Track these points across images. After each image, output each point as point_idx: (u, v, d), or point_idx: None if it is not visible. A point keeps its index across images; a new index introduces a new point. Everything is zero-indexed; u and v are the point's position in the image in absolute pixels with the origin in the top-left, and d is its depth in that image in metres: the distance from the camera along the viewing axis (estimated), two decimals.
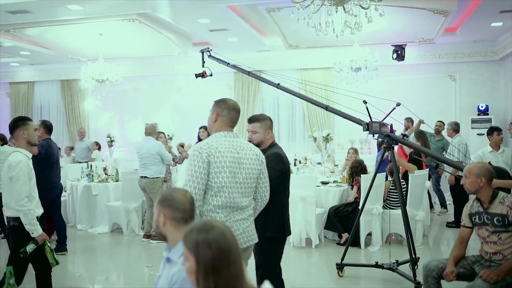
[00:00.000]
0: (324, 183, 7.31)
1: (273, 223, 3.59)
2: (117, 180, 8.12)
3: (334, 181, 7.44)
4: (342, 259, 5.34)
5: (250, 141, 3.56)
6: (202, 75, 6.22)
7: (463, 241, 3.70)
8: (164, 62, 12.96)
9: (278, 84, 5.62)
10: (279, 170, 3.58)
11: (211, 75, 6.18)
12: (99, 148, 11.06)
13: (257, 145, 3.58)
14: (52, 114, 14.74)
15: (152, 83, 13.50)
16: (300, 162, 10.78)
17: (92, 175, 8.12)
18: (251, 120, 3.71)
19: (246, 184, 3.01)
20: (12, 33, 10.27)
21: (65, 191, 8.35)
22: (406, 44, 10.96)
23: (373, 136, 4.97)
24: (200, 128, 8.73)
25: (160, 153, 7.17)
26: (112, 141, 10.80)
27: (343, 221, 6.63)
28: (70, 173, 9.39)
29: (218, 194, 2.87)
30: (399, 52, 11.02)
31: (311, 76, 12.40)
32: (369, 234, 6.60)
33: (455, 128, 8.06)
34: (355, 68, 9.18)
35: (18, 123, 3.87)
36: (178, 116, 13.37)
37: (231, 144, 2.98)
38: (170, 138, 13.07)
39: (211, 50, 6.38)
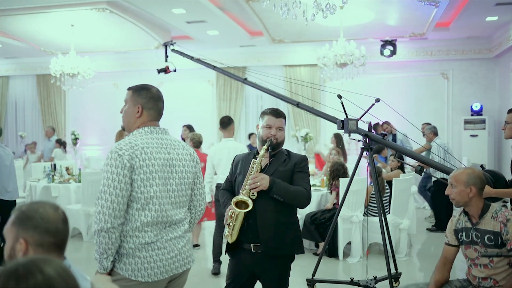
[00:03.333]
0: None
1: (301, 237, 3.09)
2: (79, 181, 7.48)
3: (313, 185, 6.81)
4: (314, 273, 4.71)
5: (265, 139, 2.95)
6: (165, 70, 5.70)
7: (447, 262, 3.08)
8: (143, 57, 12.35)
9: (245, 79, 5.09)
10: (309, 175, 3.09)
11: (174, 70, 5.70)
12: (63, 147, 10.37)
13: (279, 144, 3.02)
14: (27, 111, 14.11)
15: (131, 78, 12.79)
16: None
17: (53, 175, 7.47)
18: (279, 114, 3.04)
19: (180, 192, 2.41)
20: None
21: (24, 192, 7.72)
22: (396, 40, 10.47)
23: (349, 135, 4.37)
24: (183, 126, 8.15)
25: None
26: (76, 139, 10.12)
27: (320, 229, 6.02)
28: (34, 172, 8.76)
29: (146, 208, 2.26)
30: (389, 47, 10.48)
31: (297, 73, 11.85)
32: (349, 244, 6.00)
33: (435, 131, 7.78)
34: (340, 63, 8.56)
35: None
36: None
37: (160, 142, 2.37)
38: None
39: (174, 43, 5.91)
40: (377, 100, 4.12)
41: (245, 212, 2.82)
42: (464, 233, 2.96)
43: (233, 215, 2.88)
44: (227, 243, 2.98)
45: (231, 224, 2.89)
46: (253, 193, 2.85)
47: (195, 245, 6.58)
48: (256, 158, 2.96)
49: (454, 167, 3.50)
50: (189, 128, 7.83)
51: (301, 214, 6.23)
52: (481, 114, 10.56)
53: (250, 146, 10.32)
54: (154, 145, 2.34)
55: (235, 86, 12.25)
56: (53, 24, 9.77)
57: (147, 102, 2.41)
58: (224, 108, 12.27)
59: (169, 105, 10.77)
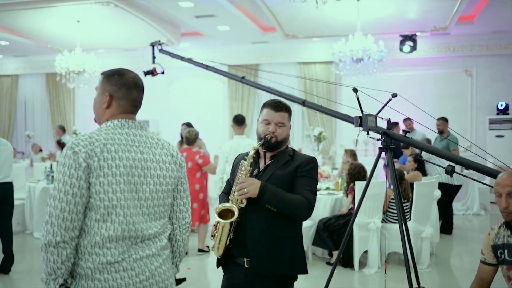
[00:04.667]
0: None
1: (303, 254, 2.53)
2: None
3: (326, 188, 6.33)
4: (327, 285, 4.21)
5: (263, 136, 2.49)
6: (152, 72, 5.33)
7: (484, 284, 2.57)
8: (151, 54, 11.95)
9: (243, 77, 4.67)
10: (317, 182, 2.57)
11: (162, 72, 5.34)
12: (61, 148, 10.00)
13: (279, 144, 2.52)
14: (36, 110, 13.88)
15: (140, 76, 12.48)
16: None
17: (52, 176, 7.10)
18: (279, 107, 2.55)
19: (155, 201, 1.94)
20: None
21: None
22: (416, 35, 9.92)
23: (367, 133, 3.88)
24: (182, 125, 7.74)
25: None
26: None
27: (334, 236, 5.53)
28: (36, 173, 8.44)
29: (108, 219, 1.81)
30: (409, 43, 9.93)
31: (311, 71, 11.38)
32: (366, 253, 5.50)
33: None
34: (356, 58, 8.06)
35: None
36: (169, 112, 12.39)
37: (130, 139, 1.91)
38: None
39: (162, 43, 5.62)
40: (394, 95, 3.62)
41: (231, 223, 2.38)
42: (506, 251, 2.45)
43: (217, 226, 2.44)
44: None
45: (216, 235, 2.45)
46: (241, 201, 2.40)
47: (200, 250, 6.16)
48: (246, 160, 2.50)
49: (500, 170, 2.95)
50: (188, 125, 7.41)
51: (314, 220, 5.76)
52: (507, 113, 9.96)
53: None
54: (122, 142, 1.89)
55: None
56: (58, 20, 9.47)
57: (117, 90, 1.96)
58: (236, 107, 11.84)
59: (179, 104, 10.46)
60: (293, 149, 2.66)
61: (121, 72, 2.00)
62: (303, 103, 4.17)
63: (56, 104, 13.50)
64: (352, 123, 3.85)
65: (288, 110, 2.58)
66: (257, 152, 2.57)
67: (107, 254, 1.80)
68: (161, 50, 5.51)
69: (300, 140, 11.56)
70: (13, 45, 11.48)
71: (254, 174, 2.53)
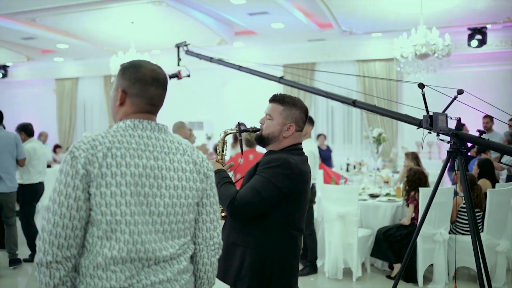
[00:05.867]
0: (373, 196, 5.73)
1: (252, 268, 2.21)
2: None
3: (386, 194, 5.83)
4: None
5: (255, 130, 2.47)
6: (177, 75, 5.05)
7: None
8: (205, 54, 11.81)
9: (281, 77, 4.36)
10: (279, 188, 2.19)
11: (188, 75, 5.04)
12: None
13: (265, 140, 2.37)
14: (95, 112, 14.12)
15: (194, 78, 12.34)
16: (354, 167, 9.24)
17: None
18: (273, 97, 2.40)
19: (171, 217, 1.61)
20: (39, 23, 9.50)
21: None
22: (486, 27, 9.15)
23: (437, 135, 3.40)
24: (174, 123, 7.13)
25: None
26: None
27: (395, 247, 5.05)
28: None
29: (112, 236, 1.50)
30: (478, 37, 9.19)
31: (371, 69, 10.84)
32: (431, 266, 4.98)
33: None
34: (420, 54, 7.47)
35: None
36: (223, 113, 12.21)
37: (143, 143, 1.60)
38: (209, 138, 11.94)
39: (188, 44, 5.28)
40: (460, 92, 3.13)
41: None
42: None
43: None
44: None
45: None
46: None
47: None
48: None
49: None
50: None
51: (373, 229, 5.31)
52: None
53: (318, 148, 9.45)
54: (132, 145, 1.58)
55: (303, 82, 11.40)
56: (113, 22, 9.49)
57: (131, 86, 1.66)
58: None
59: (233, 105, 10.13)
60: (292, 150, 2.37)
61: (138, 65, 1.69)
62: (354, 103, 3.76)
63: None
64: (413, 124, 3.40)
65: (283, 103, 2.34)
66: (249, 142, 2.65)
67: (111, 279, 1.50)
68: (187, 52, 5.23)
69: (359, 142, 11.02)
70: (72, 48, 11.68)
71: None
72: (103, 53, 12.10)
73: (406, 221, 5.06)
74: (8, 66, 13.71)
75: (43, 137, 11.08)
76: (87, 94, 14.18)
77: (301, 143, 2.39)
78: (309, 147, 5.17)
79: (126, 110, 1.67)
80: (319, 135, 9.91)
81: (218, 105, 12.31)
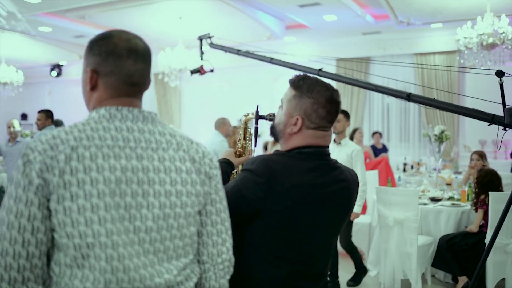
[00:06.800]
0: (434, 199, 5.21)
1: None
2: None
3: (449, 198, 5.28)
4: None
5: (272, 118, 1.91)
6: (199, 70, 4.70)
7: None
8: (254, 50, 11.51)
9: (320, 70, 3.91)
10: (244, 197, 1.58)
11: (211, 70, 4.69)
12: None
13: (274, 133, 1.78)
14: (145, 109, 14.09)
15: (244, 75, 12.12)
16: (412, 167, 8.67)
17: None
18: (289, 80, 1.75)
19: (163, 232, 1.24)
20: (88, 20, 9.52)
21: None
22: None
23: None
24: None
25: (217, 152, 5.73)
26: None
27: (460, 258, 4.53)
28: None
29: (83, 264, 1.15)
30: None
31: (430, 63, 10.17)
32: (503, 280, 4.44)
33: None
34: (486, 44, 6.84)
35: None
36: (274, 111, 11.86)
37: (122, 137, 1.23)
38: (259, 136, 11.61)
39: (212, 36, 4.90)
40: None
41: None
42: None
43: None
44: None
45: None
46: None
47: None
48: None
49: None
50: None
51: (434, 236, 4.81)
52: None
53: (373, 147, 8.98)
54: (107, 142, 1.20)
55: (357, 77, 10.88)
56: (161, 17, 9.37)
57: (102, 62, 1.27)
58: (344, 104, 10.94)
59: None
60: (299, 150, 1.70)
61: (109, 35, 1.29)
62: (408, 97, 3.31)
63: (164, 103, 13.62)
64: (484, 120, 2.93)
65: (297, 86, 1.68)
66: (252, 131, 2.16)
67: None
68: (211, 45, 4.87)
69: (417, 140, 10.39)
70: None
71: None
72: (152, 51, 12.05)
73: (474, 228, 4.52)
74: (62, 66, 13.95)
75: None
76: None
77: (321, 147, 1.69)
78: (353, 146, 4.70)
79: (99, 95, 1.28)
80: (374, 133, 9.39)
81: (268, 102, 11.97)
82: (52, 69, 13.81)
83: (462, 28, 7.05)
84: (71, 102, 14.57)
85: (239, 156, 2.03)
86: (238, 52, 4.71)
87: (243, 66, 12.04)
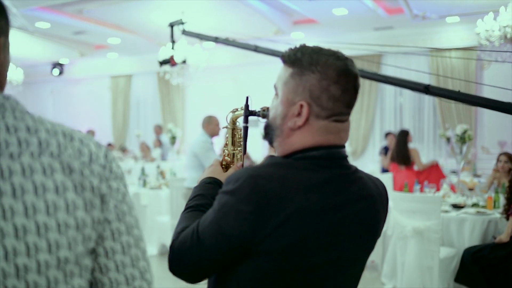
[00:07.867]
0: (456, 206, 4.70)
1: None
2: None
3: (474, 205, 4.76)
4: None
5: (265, 114, 1.32)
6: (169, 61, 4.23)
7: None
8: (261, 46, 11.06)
9: None
10: (223, 234, 1.08)
11: (184, 62, 4.21)
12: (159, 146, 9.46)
13: (266, 133, 1.25)
14: (148, 109, 13.77)
15: (249, 73, 11.67)
16: None
17: (145, 180, 6.39)
18: (284, 55, 1.21)
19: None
20: (87, 15, 9.11)
21: None
22: None
23: None
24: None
25: (197, 154, 5.12)
26: (174, 137, 9.05)
27: (487, 272, 4.03)
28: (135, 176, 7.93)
29: None
30: None
31: (446, 60, 9.68)
32: None
33: None
34: (510, 37, 6.32)
35: None
36: None
37: None
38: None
39: (184, 23, 4.40)
40: None
41: None
42: None
43: None
44: None
45: None
46: None
47: None
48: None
49: None
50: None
51: (457, 248, 4.30)
52: None
53: (385, 148, 8.48)
54: None
55: None
56: (163, 12, 8.91)
57: None
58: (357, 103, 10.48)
59: None
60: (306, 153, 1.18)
61: None
62: (427, 89, 2.83)
63: (167, 102, 13.22)
64: None
65: (293, 62, 1.17)
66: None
67: None
68: (184, 32, 4.36)
69: (431, 141, 9.85)
70: (124, 42, 11.33)
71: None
72: (155, 48, 11.64)
73: (504, 237, 4.00)
74: (63, 64, 13.59)
75: (90, 134, 10.78)
76: (141, 90, 13.85)
77: (335, 147, 1.19)
78: None
79: None
80: (387, 134, 8.89)
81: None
82: (53, 68, 13.44)
83: (483, 19, 6.54)
84: (72, 101, 14.23)
85: (227, 167, 1.47)
86: (216, 39, 4.24)
87: (248, 64, 11.60)
